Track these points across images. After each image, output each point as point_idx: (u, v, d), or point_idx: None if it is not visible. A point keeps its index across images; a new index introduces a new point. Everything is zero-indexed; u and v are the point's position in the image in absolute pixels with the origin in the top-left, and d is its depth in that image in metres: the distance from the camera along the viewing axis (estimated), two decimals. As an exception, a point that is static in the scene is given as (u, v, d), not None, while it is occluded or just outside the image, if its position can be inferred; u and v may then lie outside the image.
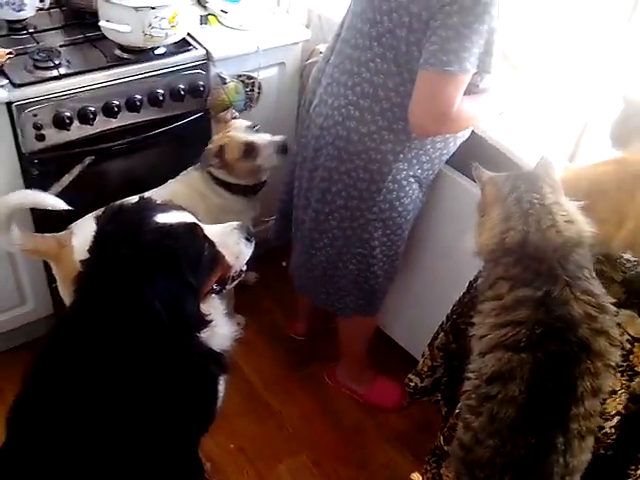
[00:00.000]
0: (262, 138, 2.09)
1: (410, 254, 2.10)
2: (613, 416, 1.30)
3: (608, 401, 1.27)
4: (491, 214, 1.18)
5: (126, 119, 2.06)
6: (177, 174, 2.16)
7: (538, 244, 1.12)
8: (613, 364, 1.08)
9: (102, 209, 1.72)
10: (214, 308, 1.52)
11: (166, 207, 1.41)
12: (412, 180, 1.78)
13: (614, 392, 1.26)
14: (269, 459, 2.14)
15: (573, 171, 1.41)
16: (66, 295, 1.95)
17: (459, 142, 1.79)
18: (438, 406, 1.57)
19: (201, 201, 2.10)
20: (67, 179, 2.06)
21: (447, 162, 1.86)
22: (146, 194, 1.93)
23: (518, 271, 1.12)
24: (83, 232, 1.87)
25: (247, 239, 1.49)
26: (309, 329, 2.54)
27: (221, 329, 1.54)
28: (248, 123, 2.13)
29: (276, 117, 2.42)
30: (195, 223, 1.39)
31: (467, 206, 1.44)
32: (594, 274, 1.13)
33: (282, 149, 2.09)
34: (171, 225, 1.33)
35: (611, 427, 1.32)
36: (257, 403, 2.31)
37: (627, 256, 1.32)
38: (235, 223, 1.51)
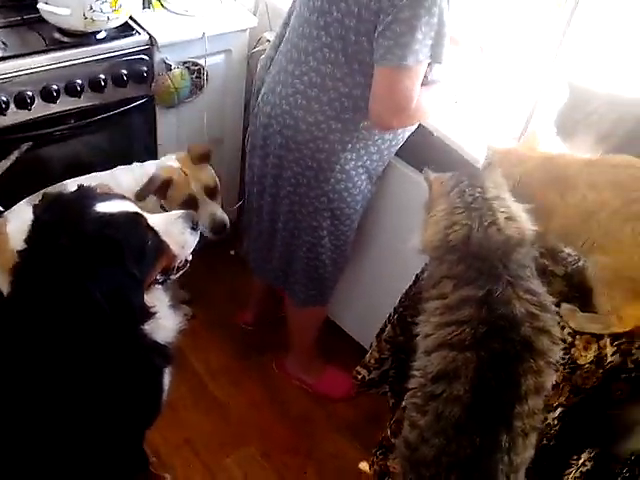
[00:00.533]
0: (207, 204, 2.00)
1: (359, 245, 2.11)
2: (555, 408, 1.34)
3: (551, 394, 1.30)
4: (436, 209, 1.19)
5: (66, 104, 1.98)
6: (123, 160, 2.08)
7: (481, 242, 1.12)
8: (554, 362, 1.09)
9: (38, 195, 1.68)
10: (158, 300, 1.48)
11: (107, 196, 1.38)
12: (361, 171, 1.78)
13: (556, 385, 1.29)
14: (217, 451, 2.11)
15: (505, 152, 1.39)
16: (3, 283, 1.87)
17: (407, 134, 1.79)
18: (386, 398, 1.57)
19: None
20: (3, 165, 1.97)
21: (397, 154, 1.86)
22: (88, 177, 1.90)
23: (462, 269, 1.12)
24: (17, 219, 1.81)
25: (192, 228, 1.46)
26: (258, 318, 2.52)
27: (166, 321, 1.51)
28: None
29: (223, 104, 2.39)
30: (137, 212, 1.36)
31: (416, 198, 1.44)
32: (535, 273, 1.14)
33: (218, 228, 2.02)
34: (112, 214, 1.30)
35: (553, 419, 1.35)
36: (204, 394, 2.28)
37: (568, 250, 1.34)
38: (180, 212, 1.48)
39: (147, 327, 1.42)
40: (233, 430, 2.19)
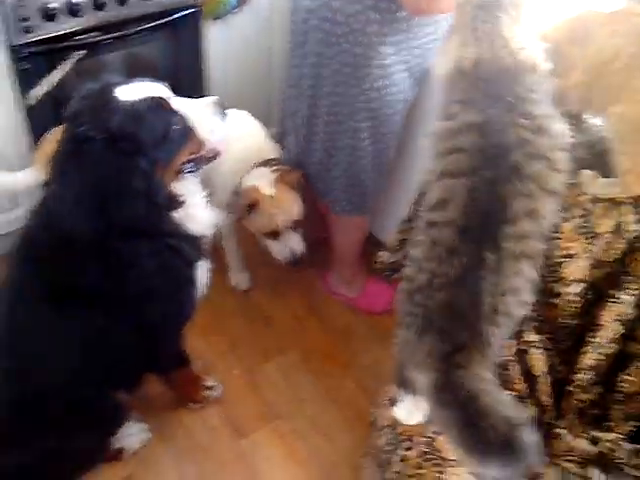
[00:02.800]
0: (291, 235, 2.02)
1: (402, 156, 2.06)
2: (574, 282, 1.31)
3: (567, 266, 1.28)
4: (452, 37, 1.20)
5: (115, 12, 2.03)
6: (172, 77, 2.11)
7: (491, 65, 1.12)
8: (551, 188, 1.07)
9: None
10: (189, 190, 1.51)
11: (130, 80, 1.38)
12: (401, 67, 1.74)
13: (570, 256, 1.27)
14: (258, 357, 2.17)
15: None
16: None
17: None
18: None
19: None
20: (57, 75, 2.05)
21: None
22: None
23: (471, 94, 1.13)
24: None
25: (221, 114, 1.47)
26: (304, 236, 2.54)
27: (199, 213, 1.54)
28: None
29: (271, 13, 2.37)
30: (160, 97, 1.37)
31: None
32: (548, 98, 1.12)
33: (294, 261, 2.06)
34: (133, 103, 1.31)
35: (574, 294, 1.33)
36: (248, 304, 2.34)
37: (593, 121, 1.29)
38: (210, 98, 1.49)
39: (177, 216, 1.45)
40: (275, 338, 2.24)
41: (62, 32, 1.98)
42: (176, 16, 2.13)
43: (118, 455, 1.83)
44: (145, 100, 1.32)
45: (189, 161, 1.47)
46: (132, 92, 1.33)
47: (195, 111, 1.43)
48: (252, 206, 1.94)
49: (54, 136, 1.85)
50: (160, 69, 2.17)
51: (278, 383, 2.11)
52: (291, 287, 2.42)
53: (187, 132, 1.41)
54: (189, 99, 1.43)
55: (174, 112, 1.38)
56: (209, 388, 2.01)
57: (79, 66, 2.06)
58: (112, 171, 1.28)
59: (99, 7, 1.99)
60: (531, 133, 1.07)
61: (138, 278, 1.42)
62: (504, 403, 1.08)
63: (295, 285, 2.43)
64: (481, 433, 0.98)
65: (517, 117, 1.07)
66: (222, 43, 2.33)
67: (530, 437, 0.99)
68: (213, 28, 2.27)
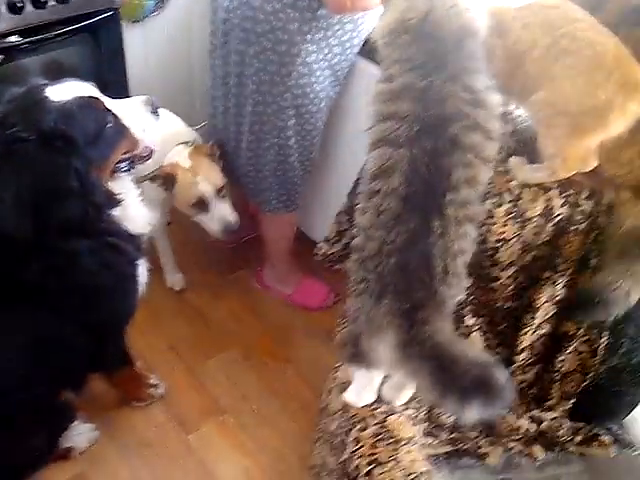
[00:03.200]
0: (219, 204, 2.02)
1: (325, 151, 2.11)
2: (508, 266, 1.39)
3: (501, 250, 1.36)
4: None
5: (33, 15, 1.98)
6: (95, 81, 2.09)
7: (438, 21, 1.14)
8: (486, 157, 1.12)
9: None
10: (126, 189, 1.52)
11: (60, 80, 1.38)
12: (323, 65, 1.78)
13: (507, 240, 1.35)
14: (199, 355, 2.19)
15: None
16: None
17: (368, 27, 1.80)
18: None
19: None
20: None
21: (360, 54, 1.86)
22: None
23: (412, 51, 1.14)
24: None
25: (153, 112, 1.48)
26: (235, 237, 2.56)
27: (135, 211, 1.55)
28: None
29: (190, 16, 2.38)
30: (92, 96, 1.37)
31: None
32: (484, 68, 1.15)
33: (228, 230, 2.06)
34: (65, 103, 1.31)
35: (508, 277, 1.41)
36: (186, 305, 2.35)
37: (518, 112, 1.38)
38: (141, 97, 1.50)
39: (116, 214, 1.46)
40: (215, 337, 2.26)
41: (-23, 37, 1.93)
42: (95, 19, 2.10)
43: (67, 454, 1.83)
44: (77, 99, 1.32)
45: (124, 160, 1.47)
46: (63, 92, 1.32)
47: (127, 110, 1.44)
48: (170, 180, 1.96)
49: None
50: (81, 73, 2.10)
51: (221, 380, 2.12)
52: (227, 287, 2.44)
53: (121, 131, 1.42)
54: (120, 99, 1.44)
55: (107, 111, 1.38)
56: (153, 386, 2.02)
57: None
58: (46, 171, 1.27)
59: (16, 11, 1.94)
60: (470, 106, 1.10)
61: (80, 276, 1.41)
62: (472, 348, 1.15)
63: (231, 285, 2.45)
64: (456, 379, 1.01)
65: (459, 89, 1.10)
66: (142, 46, 2.32)
67: (503, 374, 1.03)
68: (132, 31, 2.26)
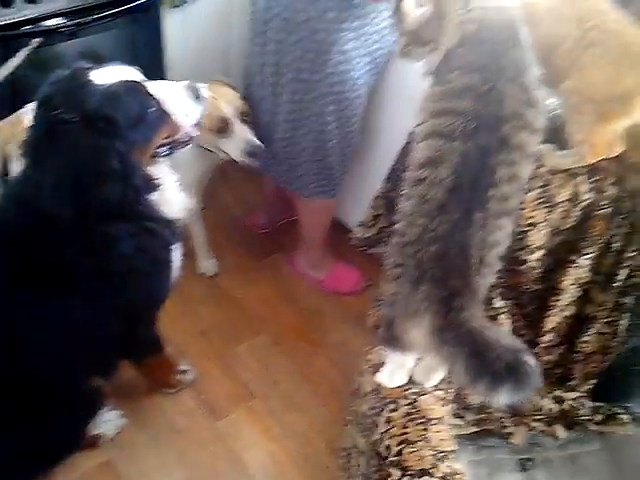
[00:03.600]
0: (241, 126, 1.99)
1: (365, 140, 2.12)
2: (536, 249, 1.40)
3: (530, 234, 1.37)
4: (450, 12, 1.24)
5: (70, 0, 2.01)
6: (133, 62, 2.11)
7: (493, 21, 1.18)
8: (530, 153, 1.16)
9: None
10: (164, 174, 1.53)
11: (104, 64, 1.38)
12: (362, 52, 1.79)
13: (536, 225, 1.36)
14: (230, 341, 2.20)
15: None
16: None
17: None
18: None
19: None
20: (14, 63, 2.01)
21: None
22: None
23: (472, 57, 1.18)
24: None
25: (196, 98, 1.49)
26: (269, 221, 2.58)
27: (173, 196, 1.56)
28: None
29: (230, 4, 2.38)
30: (136, 81, 1.38)
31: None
32: (533, 57, 1.19)
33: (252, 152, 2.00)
34: (109, 86, 1.32)
35: (536, 260, 1.43)
36: (218, 290, 2.36)
37: (549, 101, 1.38)
38: (183, 82, 1.51)
39: (153, 198, 1.47)
40: (246, 322, 2.27)
41: (19, 19, 1.95)
42: (136, 3, 2.12)
43: (95, 441, 1.84)
44: (121, 83, 1.33)
45: (164, 145, 1.48)
46: (107, 76, 1.33)
47: (170, 95, 1.44)
48: None
49: (9, 124, 1.83)
50: (119, 58, 2.13)
51: (251, 365, 2.14)
52: (259, 272, 2.45)
53: (163, 115, 1.43)
54: (163, 83, 1.45)
55: (150, 95, 1.39)
56: (183, 372, 2.03)
57: (36, 55, 2.03)
58: (89, 153, 1.28)
59: (57, -6, 1.97)
60: (524, 106, 1.14)
61: (116, 260, 1.43)
62: (504, 335, 1.17)
63: (263, 270, 2.46)
64: (489, 364, 1.04)
65: (517, 90, 1.14)
66: (180, 31, 2.33)
67: (532, 360, 1.07)
68: (171, 16, 2.27)
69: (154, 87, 1.42)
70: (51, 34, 2.02)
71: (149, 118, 1.39)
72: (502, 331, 1.38)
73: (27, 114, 1.88)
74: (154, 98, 1.41)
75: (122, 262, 1.44)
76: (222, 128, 1.97)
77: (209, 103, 1.91)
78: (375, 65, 1.87)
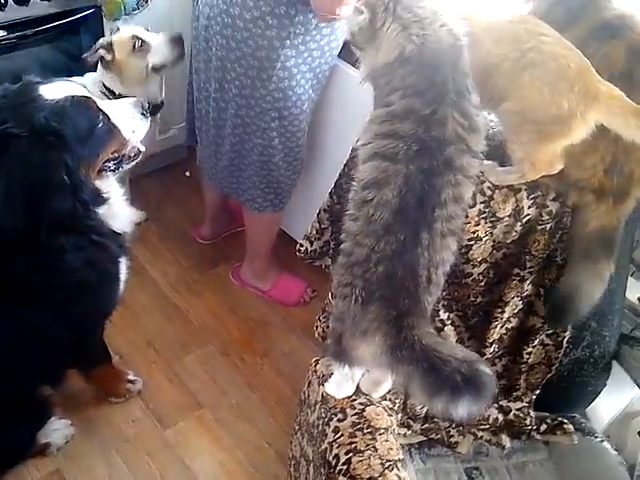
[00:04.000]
0: (152, 35, 2.08)
1: (310, 153, 2.15)
2: (480, 262, 1.46)
3: (474, 247, 1.43)
4: (385, 32, 1.23)
5: (16, 12, 1.99)
6: (76, 72, 2.10)
7: (434, 47, 1.19)
8: (472, 175, 1.20)
9: None
10: (112, 188, 1.54)
11: (52, 79, 1.40)
12: (304, 69, 1.83)
13: (479, 239, 1.42)
14: (177, 351, 2.22)
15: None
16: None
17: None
18: (329, 272, 1.67)
19: None
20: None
21: (340, 56, 1.91)
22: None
23: (413, 79, 1.19)
24: None
25: (142, 114, 1.52)
26: (213, 233, 2.61)
27: (120, 210, 1.57)
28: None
29: (171, 16, 2.40)
30: (85, 96, 1.40)
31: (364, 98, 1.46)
32: (472, 85, 1.21)
33: (176, 40, 2.08)
34: (58, 101, 1.33)
35: (479, 274, 1.48)
36: (164, 302, 2.37)
37: (489, 117, 1.45)
38: (130, 99, 1.53)
39: (101, 212, 1.48)
40: (193, 333, 2.29)
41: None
42: (77, 16, 2.13)
43: (44, 450, 1.84)
44: (70, 98, 1.35)
45: (111, 160, 1.50)
46: (56, 91, 1.35)
47: (118, 111, 1.46)
48: (110, 46, 2.03)
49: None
50: (62, 70, 2.14)
51: (199, 375, 2.16)
52: (205, 284, 2.47)
53: (111, 131, 1.44)
54: (111, 100, 1.47)
55: (98, 111, 1.41)
56: (131, 382, 2.04)
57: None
58: (38, 165, 1.29)
59: (-2, 7, 1.95)
60: (466, 131, 1.17)
61: (64, 272, 1.43)
62: (456, 348, 1.20)
63: (209, 281, 2.48)
64: (446, 379, 1.07)
65: (457, 115, 1.16)
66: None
67: (488, 369, 1.11)
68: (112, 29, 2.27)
69: (102, 103, 1.44)
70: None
71: (97, 133, 1.40)
72: (454, 345, 1.41)
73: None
74: (103, 113, 1.42)
75: (70, 274, 1.45)
76: (139, 47, 2.03)
77: (112, 38, 2.02)
78: (317, 81, 1.91)
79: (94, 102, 1.42)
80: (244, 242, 2.39)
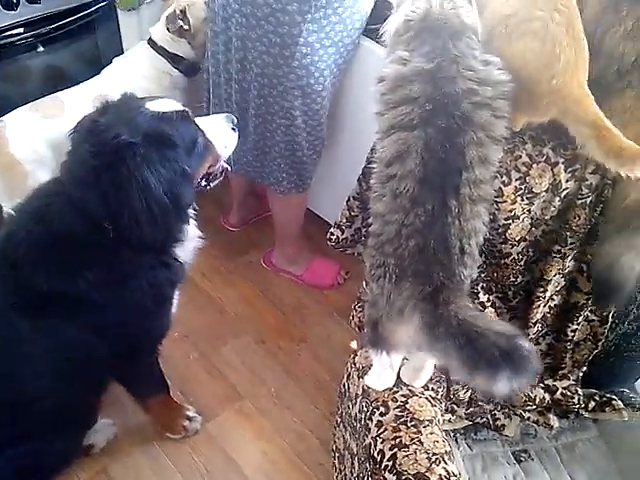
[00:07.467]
0: None
1: (332, 130, 2.11)
2: (518, 241, 1.40)
3: (511, 226, 1.37)
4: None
5: (27, 12, 1.97)
6: (97, 66, 2.10)
7: (437, 19, 1.18)
8: (497, 136, 1.15)
9: (36, 103, 1.85)
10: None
11: (152, 97, 1.39)
12: (327, 43, 1.77)
13: (517, 217, 1.36)
14: (214, 342, 2.20)
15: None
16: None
17: (371, 1, 1.79)
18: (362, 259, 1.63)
19: (150, 82, 2.10)
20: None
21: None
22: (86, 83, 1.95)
23: (417, 43, 1.18)
24: (16, 124, 1.87)
25: (232, 129, 1.50)
26: (242, 220, 2.58)
27: (190, 242, 1.54)
28: None
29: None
30: (186, 110, 1.39)
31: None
32: (481, 58, 1.18)
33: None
34: (165, 112, 1.33)
35: (518, 253, 1.43)
36: (196, 292, 2.35)
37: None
38: (222, 114, 1.53)
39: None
40: (228, 323, 2.28)
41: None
42: (90, 9, 2.10)
43: (88, 451, 1.84)
44: (175, 111, 1.35)
45: (203, 177, 1.49)
46: (159, 105, 1.34)
47: (212, 126, 1.45)
48: (183, 13, 2.07)
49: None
50: (83, 64, 2.13)
51: (236, 365, 2.15)
52: (237, 272, 2.45)
53: (208, 145, 1.43)
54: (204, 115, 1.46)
55: (197, 125, 1.40)
56: (189, 419, 1.94)
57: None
58: (160, 163, 1.27)
59: (10, 7, 1.93)
60: (476, 84, 1.13)
61: (127, 292, 1.40)
62: (495, 322, 1.18)
63: (241, 269, 2.46)
64: (484, 352, 1.03)
65: (463, 69, 1.13)
66: (137, 33, 2.30)
67: (527, 343, 1.06)
68: (128, 19, 2.24)
69: (197, 119, 1.43)
70: (9, 47, 1.99)
71: (198, 147, 1.39)
72: (493, 319, 1.37)
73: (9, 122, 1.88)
74: (200, 128, 1.41)
75: (131, 295, 1.41)
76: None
77: (185, 3, 2.06)
78: (340, 56, 1.85)
79: (192, 116, 1.41)
80: (273, 227, 2.36)
